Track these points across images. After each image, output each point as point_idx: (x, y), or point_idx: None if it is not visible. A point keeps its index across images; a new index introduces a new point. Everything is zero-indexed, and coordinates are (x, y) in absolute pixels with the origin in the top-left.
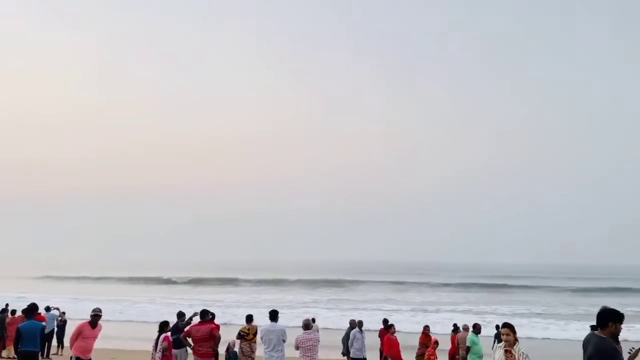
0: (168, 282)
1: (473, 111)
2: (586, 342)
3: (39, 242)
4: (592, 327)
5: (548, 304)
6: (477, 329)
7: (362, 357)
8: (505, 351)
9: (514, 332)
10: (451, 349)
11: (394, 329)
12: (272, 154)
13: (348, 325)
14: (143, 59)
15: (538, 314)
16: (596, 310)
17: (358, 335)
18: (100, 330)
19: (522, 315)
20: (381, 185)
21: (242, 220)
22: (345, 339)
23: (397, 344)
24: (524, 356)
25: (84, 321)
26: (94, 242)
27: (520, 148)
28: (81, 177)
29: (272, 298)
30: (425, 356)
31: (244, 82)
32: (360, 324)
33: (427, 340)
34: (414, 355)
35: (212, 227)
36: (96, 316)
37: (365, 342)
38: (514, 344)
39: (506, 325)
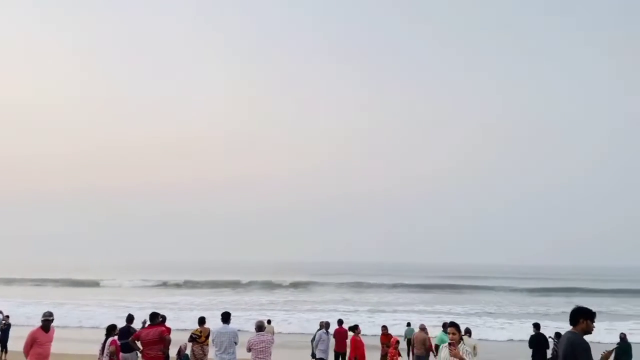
0: (119, 285)
1: (450, 110)
2: (532, 340)
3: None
4: (535, 325)
5: (499, 303)
6: (446, 328)
7: (325, 358)
8: (449, 344)
9: (459, 331)
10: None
11: (359, 329)
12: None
13: (317, 328)
14: (143, 59)
15: (490, 313)
16: (544, 309)
17: (324, 336)
18: (53, 333)
19: (477, 314)
20: (351, 185)
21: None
22: (313, 340)
23: (363, 344)
24: (467, 353)
25: (35, 327)
26: (88, 242)
27: (495, 147)
28: (82, 177)
29: (228, 300)
30: (388, 357)
31: (243, 83)
32: (327, 325)
33: (387, 340)
34: (379, 355)
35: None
36: (47, 321)
37: (329, 344)
38: (459, 343)
39: (452, 324)
